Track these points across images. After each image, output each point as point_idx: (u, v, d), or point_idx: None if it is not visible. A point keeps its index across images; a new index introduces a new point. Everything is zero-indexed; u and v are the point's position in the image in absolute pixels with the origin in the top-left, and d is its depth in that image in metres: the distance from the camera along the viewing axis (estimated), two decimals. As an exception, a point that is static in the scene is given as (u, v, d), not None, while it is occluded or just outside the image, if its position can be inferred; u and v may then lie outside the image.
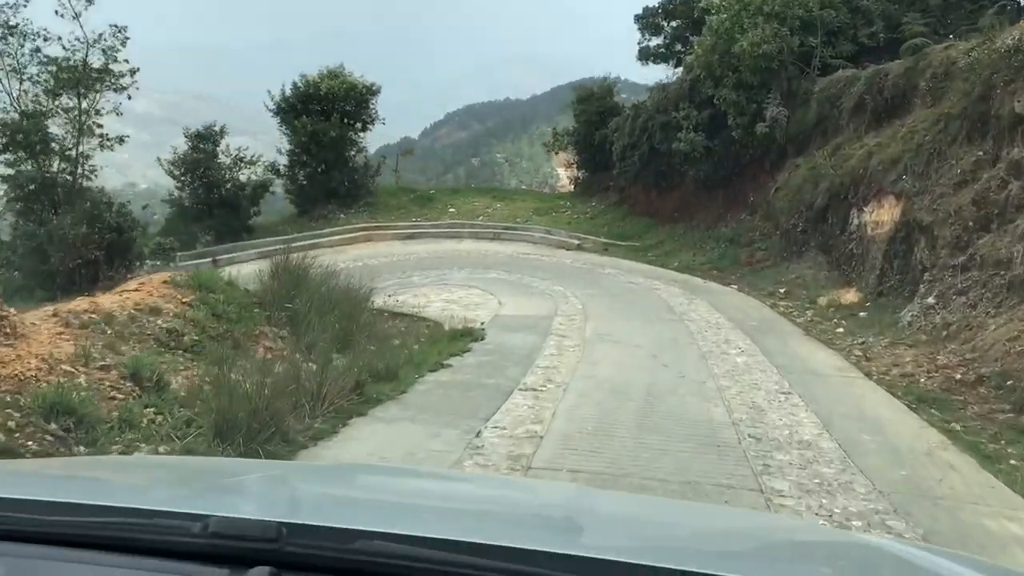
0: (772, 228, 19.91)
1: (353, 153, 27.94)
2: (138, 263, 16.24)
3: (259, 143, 30.72)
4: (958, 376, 9.65)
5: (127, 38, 20.44)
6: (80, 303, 7.09)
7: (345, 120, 26.95)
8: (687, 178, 23.62)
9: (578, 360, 9.90)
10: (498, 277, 18.70)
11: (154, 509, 1.34)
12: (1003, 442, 7.18)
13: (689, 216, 23.83)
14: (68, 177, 19.93)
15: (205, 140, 24.21)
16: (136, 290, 8.14)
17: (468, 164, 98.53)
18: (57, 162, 19.84)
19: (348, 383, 6.79)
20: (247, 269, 14.11)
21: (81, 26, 19.91)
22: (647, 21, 27.43)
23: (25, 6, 19.67)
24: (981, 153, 13.40)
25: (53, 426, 5.01)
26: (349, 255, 23.29)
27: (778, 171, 20.64)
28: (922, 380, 9.91)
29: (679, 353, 10.75)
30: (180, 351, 6.90)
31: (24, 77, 19.82)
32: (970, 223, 12.61)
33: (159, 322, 7.10)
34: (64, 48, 19.86)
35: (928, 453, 6.77)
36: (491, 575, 1.19)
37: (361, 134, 27.91)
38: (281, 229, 26.07)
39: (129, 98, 20.85)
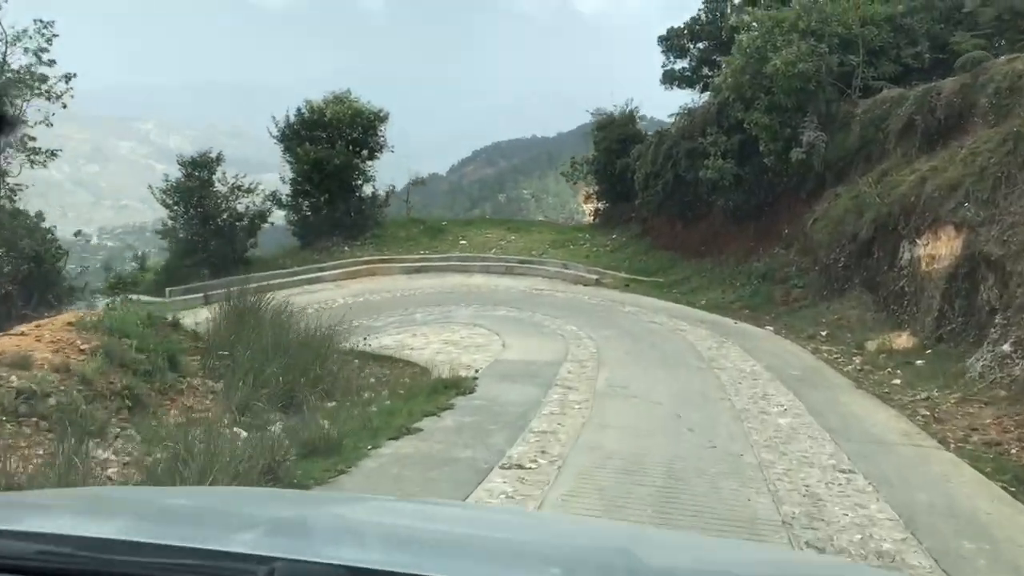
0: (810, 263, 18.16)
1: (360, 183, 26.42)
2: (74, 299, 14.24)
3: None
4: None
5: (55, 35, 17.75)
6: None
7: (351, 147, 25.46)
8: (715, 209, 21.90)
9: (583, 422, 8.05)
10: (507, 315, 17.04)
11: (218, 550, 1.29)
12: None
13: (717, 250, 22.11)
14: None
15: (200, 167, 22.73)
16: (21, 334, 6.44)
17: (495, 200, 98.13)
18: None
19: (257, 463, 4.98)
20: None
21: None
22: (672, 43, 25.66)
23: None
24: (1061, 176, 11.53)
25: None
26: (350, 290, 21.71)
27: (816, 201, 18.90)
28: (1013, 451, 7.98)
29: (708, 412, 8.87)
30: (33, 419, 5.15)
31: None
32: (1053, 257, 10.71)
33: (12, 379, 5.37)
34: None
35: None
36: None
37: (369, 162, 26.39)
38: (281, 262, 24.58)
39: (64, 107, 18.17)
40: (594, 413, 8.50)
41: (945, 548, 5.06)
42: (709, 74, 24.60)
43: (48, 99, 17.76)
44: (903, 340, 13.80)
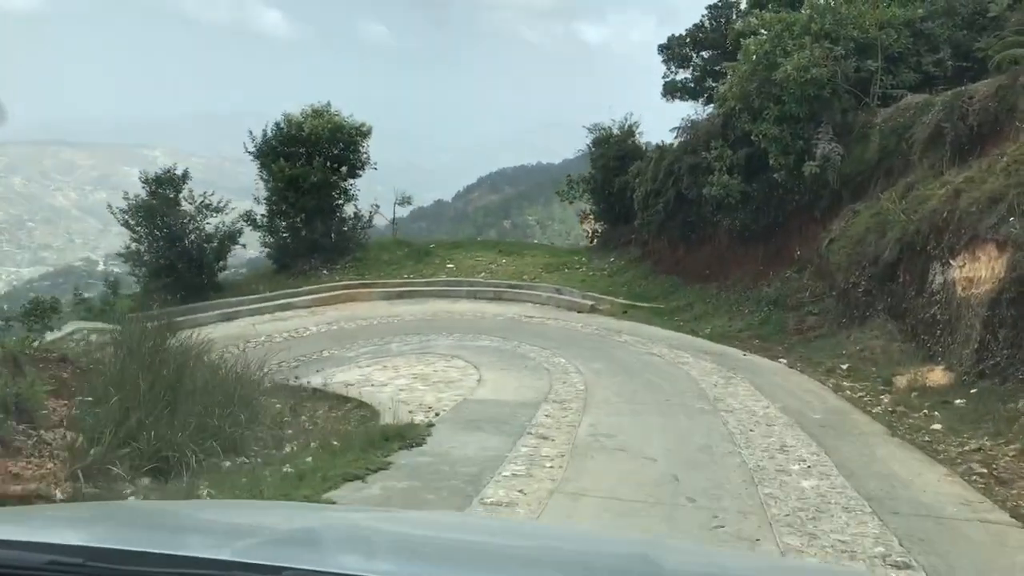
0: (826, 288, 16.45)
1: (341, 202, 24.75)
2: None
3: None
4: None
5: None
6: None
7: (330, 164, 23.81)
8: (720, 229, 20.17)
9: (552, 488, 6.26)
10: (489, 345, 15.37)
11: (227, 560, 1.29)
12: None
13: (723, 274, 20.38)
14: None
15: (164, 185, 21.05)
16: None
17: (500, 226, 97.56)
18: None
19: None
20: (203, 335, 10.57)
21: None
22: (673, 51, 23.98)
23: None
24: None
25: None
26: (324, 317, 20.02)
27: (831, 219, 17.18)
28: (1107, 526, 6.16)
29: (714, 472, 7.07)
30: None
31: None
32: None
33: None
34: None
35: None
36: None
37: (350, 180, 24.72)
38: (254, 287, 22.94)
39: None
40: (569, 474, 6.71)
41: None
42: (713, 85, 22.98)
43: None
44: (937, 375, 12.01)
